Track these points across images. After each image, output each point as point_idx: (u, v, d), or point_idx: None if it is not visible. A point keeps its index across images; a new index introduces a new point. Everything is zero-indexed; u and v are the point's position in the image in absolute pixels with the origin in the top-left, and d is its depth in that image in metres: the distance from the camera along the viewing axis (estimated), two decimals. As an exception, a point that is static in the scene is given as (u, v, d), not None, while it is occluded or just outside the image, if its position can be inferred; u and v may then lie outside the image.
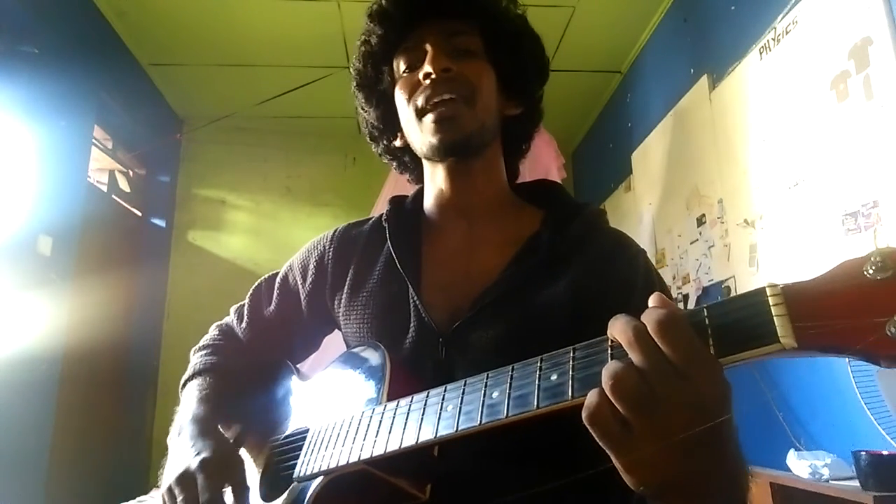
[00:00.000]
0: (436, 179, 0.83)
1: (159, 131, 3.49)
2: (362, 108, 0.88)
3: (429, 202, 0.86)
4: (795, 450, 1.71)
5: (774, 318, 0.37)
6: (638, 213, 3.10)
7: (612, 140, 3.53)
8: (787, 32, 1.94)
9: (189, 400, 0.83)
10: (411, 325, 0.73)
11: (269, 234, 3.77)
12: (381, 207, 3.23)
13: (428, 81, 0.75)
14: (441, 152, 0.77)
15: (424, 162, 0.84)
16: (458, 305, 0.72)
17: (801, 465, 1.60)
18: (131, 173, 3.56)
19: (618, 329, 0.42)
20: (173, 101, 3.64)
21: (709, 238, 2.43)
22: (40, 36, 2.37)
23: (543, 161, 2.86)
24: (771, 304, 0.37)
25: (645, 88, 3.13)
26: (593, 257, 0.73)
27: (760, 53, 2.07)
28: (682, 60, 2.67)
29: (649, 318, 0.41)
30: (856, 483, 1.42)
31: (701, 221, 2.49)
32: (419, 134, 0.78)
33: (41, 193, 2.35)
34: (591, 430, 0.41)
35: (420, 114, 0.76)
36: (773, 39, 2.00)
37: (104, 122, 3.06)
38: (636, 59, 3.20)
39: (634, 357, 0.41)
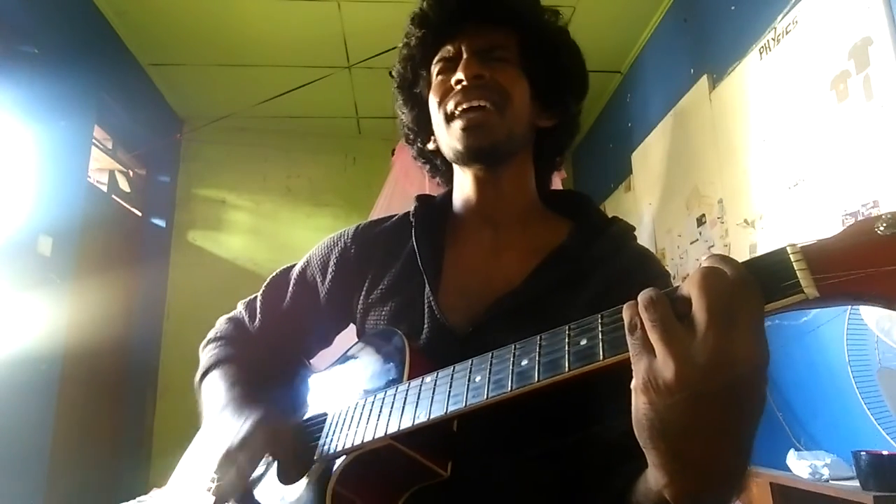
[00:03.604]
0: (463, 185, 0.84)
1: (159, 131, 3.49)
2: (400, 110, 0.89)
3: (456, 206, 0.86)
4: (795, 450, 1.71)
5: (797, 272, 0.40)
6: (638, 213, 3.09)
7: (612, 140, 3.53)
8: (787, 32, 1.94)
9: (217, 388, 0.83)
10: (425, 325, 0.74)
11: (269, 234, 3.77)
12: (381, 207, 3.21)
13: (459, 87, 0.76)
14: (466, 158, 0.77)
15: (454, 166, 0.85)
16: (476, 310, 0.72)
17: (801, 465, 1.60)
18: (131, 173, 3.56)
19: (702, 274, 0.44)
20: (173, 101, 3.64)
21: (709, 238, 2.43)
22: (40, 36, 2.37)
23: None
24: (792, 259, 0.40)
25: (645, 88, 3.13)
26: (615, 275, 0.72)
27: (760, 53, 2.07)
28: (682, 60, 2.67)
29: (728, 267, 0.42)
30: (856, 483, 1.42)
31: (701, 221, 2.49)
32: (447, 138, 0.79)
33: (41, 193, 2.35)
34: (628, 340, 0.43)
35: (449, 119, 0.77)
36: (773, 39, 2.00)
37: (104, 122, 3.06)
38: (636, 59, 3.20)
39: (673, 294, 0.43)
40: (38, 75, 2.33)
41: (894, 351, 1.42)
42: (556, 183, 3.03)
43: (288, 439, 0.71)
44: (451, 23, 0.80)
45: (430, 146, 0.87)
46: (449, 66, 0.80)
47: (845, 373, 1.55)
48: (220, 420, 0.76)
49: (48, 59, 2.39)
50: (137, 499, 1.71)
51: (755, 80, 2.10)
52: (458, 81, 0.76)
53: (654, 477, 0.47)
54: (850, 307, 1.54)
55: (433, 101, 0.81)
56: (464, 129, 0.75)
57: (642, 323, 0.42)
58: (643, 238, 2.96)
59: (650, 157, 2.97)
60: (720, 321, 0.40)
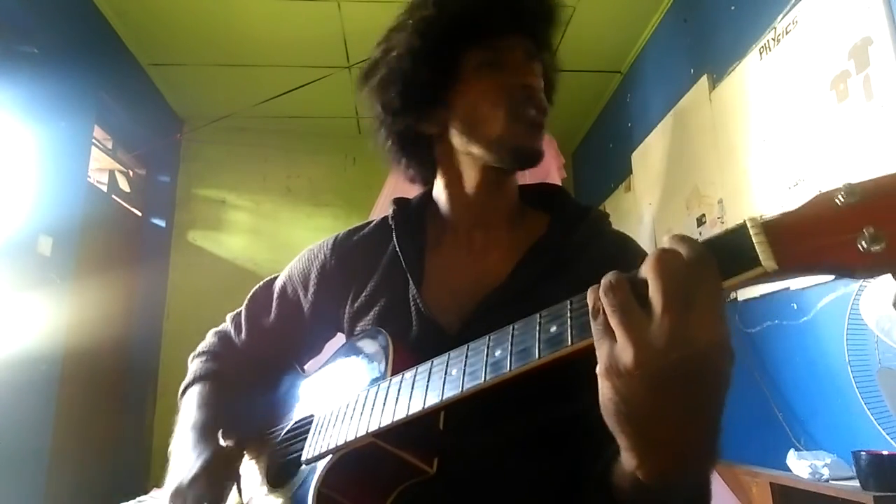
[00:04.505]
0: (465, 183, 0.80)
1: (159, 131, 3.49)
2: (402, 77, 0.78)
3: (443, 205, 0.84)
4: (795, 450, 1.71)
5: (756, 245, 0.40)
6: (638, 213, 3.10)
7: (612, 140, 3.53)
8: (787, 32, 1.94)
9: (189, 407, 0.85)
10: (413, 324, 0.74)
11: (269, 234, 3.77)
12: (381, 207, 3.21)
13: (529, 92, 0.75)
14: (523, 159, 0.76)
15: (456, 161, 0.80)
16: (465, 308, 0.73)
17: (801, 465, 1.60)
18: (131, 173, 3.56)
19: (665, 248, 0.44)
20: (173, 101, 3.64)
21: (709, 238, 2.43)
22: (40, 36, 2.37)
23: (543, 161, 2.86)
24: (752, 234, 0.40)
25: (645, 88, 3.13)
26: (597, 259, 0.72)
27: (760, 53, 2.07)
28: (682, 60, 2.67)
29: (684, 246, 0.42)
30: (856, 483, 1.42)
31: (701, 221, 2.49)
32: (502, 133, 0.75)
33: (41, 193, 2.35)
34: (592, 326, 0.43)
35: (517, 117, 0.75)
36: (773, 39, 2.00)
37: (104, 122, 3.06)
38: (636, 59, 3.20)
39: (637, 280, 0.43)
40: (38, 75, 2.33)
41: (894, 351, 1.42)
42: (556, 182, 3.03)
43: (234, 473, 0.76)
44: (510, 23, 0.77)
45: (423, 128, 0.80)
46: (503, 64, 0.76)
47: (845, 373, 1.55)
48: (181, 446, 0.80)
49: (48, 59, 2.39)
50: (137, 499, 1.71)
51: (755, 80, 2.10)
52: (530, 87, 0.75)
53: (625, 459, 0.48)
54: (850, 307, 1.54)
55: (490, 92, 0.75)
56: (535, 128, 0.75)
57: (604, 308, 0.43)
58: (643, 238, 2.96)
59: (650, 157, 2.97)
60: (675, 303, 0.40)
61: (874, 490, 1.35)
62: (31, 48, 2.31)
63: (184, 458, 0.76)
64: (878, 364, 1.47)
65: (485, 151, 0.77)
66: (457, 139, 0.79)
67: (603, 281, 0.44)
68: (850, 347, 1.54)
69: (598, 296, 0.43)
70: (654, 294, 0.41)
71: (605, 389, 0.44)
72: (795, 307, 1.91)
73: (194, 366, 0.92)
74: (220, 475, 0.73)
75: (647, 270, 0.42)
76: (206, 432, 0.79)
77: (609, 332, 0.42)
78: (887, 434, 1.45)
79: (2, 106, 2.22)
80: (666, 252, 0.42)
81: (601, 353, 0.43)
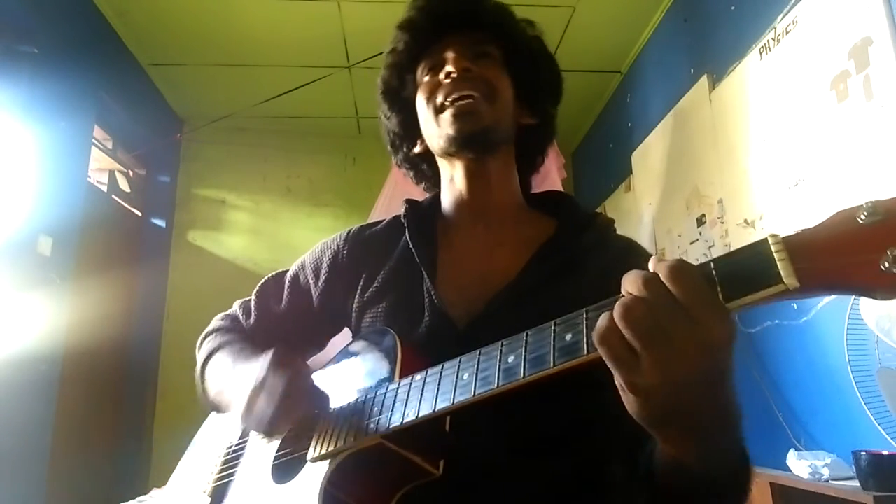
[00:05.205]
0: (454, 180, 0.85)
1: (159, 131, 3.49)
2: (385, 116, 0.91)
3: (446, 206, 0.87)
4: (795, 450, 1.71)
5: (777, 263, 0.39)
6: (638, 213, 3.10)
7: (612, 140, 3.53)
8: (787, 32, 1.94)
9: (224, 364, 0.84)
10: (425, 317, 0.75)
11: (269, 234, 3.77)
12: (381, 207, 3.20)
13: (448, 80, 0.79)
14: (458, 143, 0.79)
15: (442, 164, 0.86)
16: (474, 304, 0.74)
17: (801, 465, 1.60)
18: (131, 173, 3.56)
19: (630, 280, 0.44)
20: (173, 101, 3.64)
21: (709, 238, 2.43)
22: (40, 36, 2.37)
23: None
24: (773, 250, 0.40)
25: (645, 88, 3.13)
26: (606, 263, 0.74)
27: (760, 53, 2.07)
28: (682, 60, 2.67)
29: (660, 267, 0.43)
30: (856, 483, 1.42)
31: (701, 221, 2.49)
32: (437, 129, 0.80)
33: (41, 193, 2.35)
34: (600, 351, 0.44)
35: (439, 110, 0.80)
36: (773, 39, 2.00)
37: (104, 122, 3.06)
38: (636, 59, 3.20)
39: (646, 296, 0.43)
40: (38, 75, 2.33)
41: (894, 351, 1.42)
42: (557, 182, 3.03)
43: (308, 374, 0.72)
44: (437, 29, 0.83)
45: (416, 150, 0.89)
46: (435, 66, 0.82)
47: (845, 373, 1.55)
48: (235, 377, 0.77)
49: (48, 59, 2.39)
50: (137, 499, 1.71)
51: (755, 80, 2.10)
52: (448, 74, 0.79)
53: (665, 450, 0.51)
54: (850, 306, 1.54)
55: (421, 99, 0.83)
56: (455, 115, 0.77)
57: (619, 332, 0.44)
58: (643, 238, 2.96)
59: (650, 157, 2.97)
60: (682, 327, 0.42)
61: (874, 490, 1.34)
62: (31, 48, 2.31)
63: (245, 375, 0.73)
64: (878, 364, 1.47)
65: (438, 148, 0.82)
66: (429, 144, 0.85)
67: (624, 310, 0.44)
68: (850, 347, 1.54)
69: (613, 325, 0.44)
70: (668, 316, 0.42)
71: (630, 405, 0.46)
72: (795, 307, 1.91)
73: (209, 342, 0.91)
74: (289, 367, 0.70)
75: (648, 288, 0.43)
76: (260, 352, 0.77)
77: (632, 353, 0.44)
78: (887, 434, 1.45)
79: (2, 106, 2.22)
80: (675, 267, 0.43)
81: (619, 375, 0.45)
